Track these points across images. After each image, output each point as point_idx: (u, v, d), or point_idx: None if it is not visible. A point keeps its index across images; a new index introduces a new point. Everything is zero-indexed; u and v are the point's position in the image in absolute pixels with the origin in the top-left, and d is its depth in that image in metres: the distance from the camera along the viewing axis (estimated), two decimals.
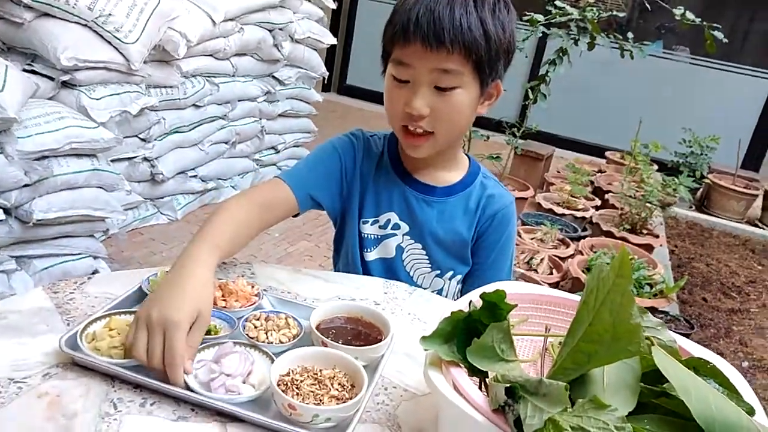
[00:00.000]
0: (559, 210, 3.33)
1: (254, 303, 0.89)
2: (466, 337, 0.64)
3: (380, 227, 1.14)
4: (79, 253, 2.10)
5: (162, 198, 2.80)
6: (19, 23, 2.09)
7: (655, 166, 3.48)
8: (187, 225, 2.81)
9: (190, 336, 0.75)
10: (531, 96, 3.13)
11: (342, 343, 0.80)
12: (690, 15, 2.89)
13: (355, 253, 1.15)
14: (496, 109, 1.12)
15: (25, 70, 2.06)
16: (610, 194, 3.64)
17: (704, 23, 2.85)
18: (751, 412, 0.55)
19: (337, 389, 0.72)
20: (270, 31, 3.14)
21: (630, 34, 3.18)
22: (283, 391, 0.70)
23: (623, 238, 3.05)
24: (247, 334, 0.82)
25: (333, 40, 3.66)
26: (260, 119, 3.30)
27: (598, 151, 5.06)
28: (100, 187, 2.09)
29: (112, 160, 2.25)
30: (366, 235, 1.14)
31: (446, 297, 1.16)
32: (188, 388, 0.71)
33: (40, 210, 1.86)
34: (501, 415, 0.55)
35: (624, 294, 0.54)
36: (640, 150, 3.59)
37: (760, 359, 2.61)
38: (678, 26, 4.38)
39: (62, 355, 0.74)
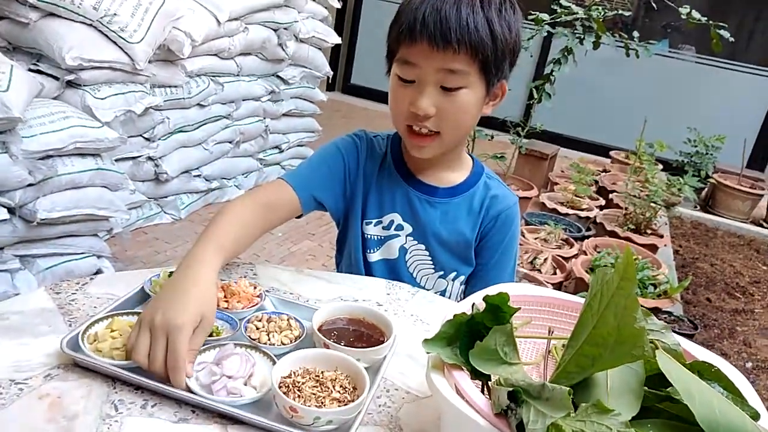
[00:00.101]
0: (563, 209, 3.31)
1: (256, 304, 0.89)
2: (468, 339, 0.64)
3: (383, 228, 1.14)
4: (83, 253, 2.10)
5: (166, 197, 2.80)
6: (25, 23, 2.11)
7: (660, 166, 3.47)
8: (191, 224, 2.82)
9: (192, 339, 0.75)
10: (536, 95, 3.12)
11: (344, 345, 0.80)
12: (696, 14, 2.88)
13: (358, 254, 1.15)
14: (501, 108, 1.12)
15: (30, 70, 2.07)
16: (615, 194, 3.63)
17: (710, 22, 2.84)
18: (755, 416, 0.55)
19: (339, 391, 0.72)
20: (275, 30, 3.14)
21: (635, 33, 3.18)
22: (284, 393, 0.69)
23: (627, 238, 3.03)
24: (248, 336, 0.82)
25: (337, 40, 3.66)
26: (264, 119, 3.30)
27: (602, 150, 5.04)
28: (105, 187, 2.09)
29: (116, 160, 2.26)
30: (369, 236, 1.14)
31: (449, 298, 1.16)
32: (189, 390, 0.71)
33: (44, 209, 1.86)
34: (503, 419, 0.55)
35: (628, 297, 0.54)
36: (645, 149, 3.57)
37: (764, 360, 2.59)
38: (684, 25, 4.38)
39: (64, 356, 0.74)
